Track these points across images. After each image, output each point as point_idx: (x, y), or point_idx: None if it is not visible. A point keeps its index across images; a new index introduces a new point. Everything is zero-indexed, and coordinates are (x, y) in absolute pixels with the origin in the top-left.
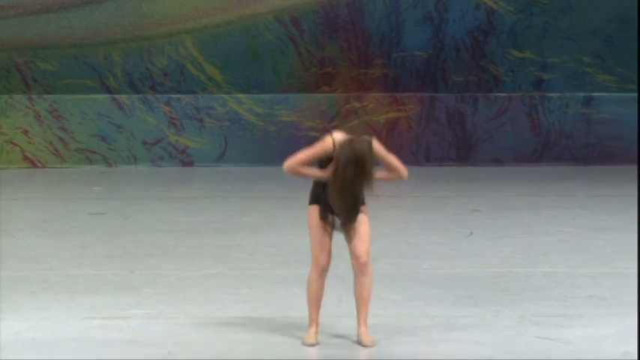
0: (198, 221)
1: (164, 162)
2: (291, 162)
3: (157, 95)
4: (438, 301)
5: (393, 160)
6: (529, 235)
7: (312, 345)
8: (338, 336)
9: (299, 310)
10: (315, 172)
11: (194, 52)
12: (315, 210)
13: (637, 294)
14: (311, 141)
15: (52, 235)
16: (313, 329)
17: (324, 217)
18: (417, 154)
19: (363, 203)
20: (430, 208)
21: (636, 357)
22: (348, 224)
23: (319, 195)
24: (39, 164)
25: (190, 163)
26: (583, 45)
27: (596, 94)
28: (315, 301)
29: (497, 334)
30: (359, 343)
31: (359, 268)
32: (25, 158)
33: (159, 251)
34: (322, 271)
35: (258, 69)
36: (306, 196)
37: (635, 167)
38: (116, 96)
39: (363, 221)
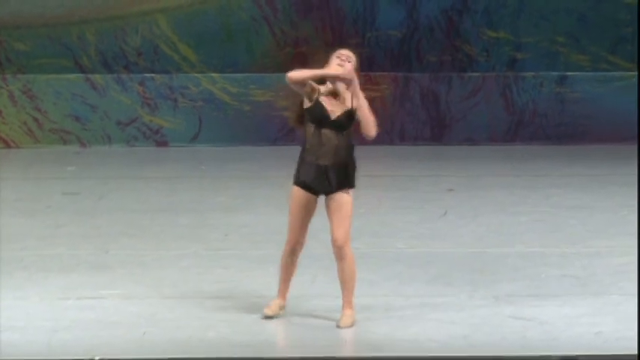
0: (172, 201)
1: (138, 142)
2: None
3: (131, 75)
4: (412, 280)
5: (365, 112)
6: (503, 215)
7: (269, 317)
8: (311, 315)
9: (273, 290)
10: (321, 70)
11: (168, 31)
12: (297, 192)
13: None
14: (285, 121)
15: (26, 215)
16: (277, 301)
17: (305, 200)
18: (391, 134)
19: (354, 167)
20: (404, 188)
21: (612, 336)
22: (332, 193)
23: (304, 174)
24: (13, 144)
25: (164, 143)
26: (557, 24)
27: (569, 73)
28: (285, 275)
29: (472, 314)
30: (337, 322)
31: (336, 251)
32: None
33: (133, 231)
34: (295, 249)
35: (232, 48)
36: (281, 175)
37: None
38: (90, 75)
39: (345, 202)
